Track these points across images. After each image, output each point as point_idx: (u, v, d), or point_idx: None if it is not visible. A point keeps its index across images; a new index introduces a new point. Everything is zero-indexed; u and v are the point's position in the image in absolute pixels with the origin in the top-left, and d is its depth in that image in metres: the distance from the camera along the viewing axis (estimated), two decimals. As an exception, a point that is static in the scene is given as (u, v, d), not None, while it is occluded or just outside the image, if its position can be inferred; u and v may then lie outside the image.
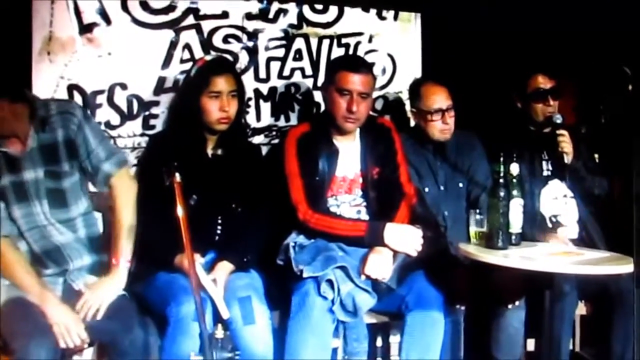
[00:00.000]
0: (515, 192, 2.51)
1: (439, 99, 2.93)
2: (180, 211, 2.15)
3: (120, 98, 2.93)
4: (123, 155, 2.55)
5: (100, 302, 2.28)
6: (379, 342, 2.92)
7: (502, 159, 2.52)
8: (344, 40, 3.27)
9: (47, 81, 2.82)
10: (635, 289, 1.24)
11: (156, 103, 2.98)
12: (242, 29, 3.11)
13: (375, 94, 2.90)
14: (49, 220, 2.38)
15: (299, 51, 3.21)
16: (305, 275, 2.48)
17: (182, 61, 2.99)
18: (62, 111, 2.40)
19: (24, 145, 2.34)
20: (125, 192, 2.49)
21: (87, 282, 2.39)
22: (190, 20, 3.02)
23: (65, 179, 2.41)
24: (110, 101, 2.90)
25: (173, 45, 2.99)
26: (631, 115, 1.23)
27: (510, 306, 2.71)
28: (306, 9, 3.21)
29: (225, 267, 2.50)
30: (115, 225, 2.45)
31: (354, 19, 3.29)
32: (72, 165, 2.42)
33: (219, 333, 2.10)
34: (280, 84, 3.19)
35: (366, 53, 3.29)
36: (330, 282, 2.46)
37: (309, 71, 3.23)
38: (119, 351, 2.26)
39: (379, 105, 3.32)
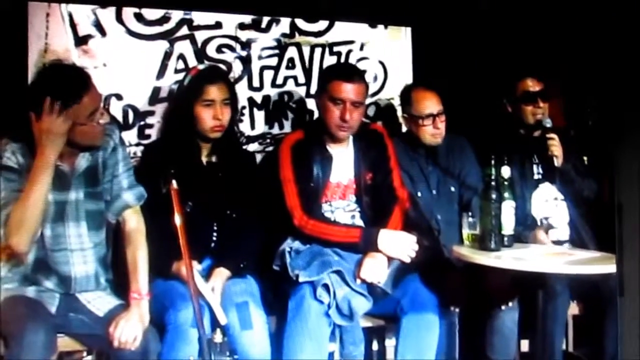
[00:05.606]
0: (506, 195, 2.54)
1: (430, 104, 2.96)
2: (177, 218, 2.17)
3: (116, 108, 2.95)
4: (143, 190, 2.46)
5: (134, 335, 2.22)
6: (375, 345, 2.93)
7: (493, 162, 2.56)
8: (335, 49, 3.31)
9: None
10: (619, 297, 1.27)
11: (151, 113, 3.00)
12: (235, 38, 3.14)
13: (367, 101, 2.93)
14: (81, 245, 2.33)
15: (291, 60, 3.24)
16: (301, 280, 2.51)
17: (177, 71, 3.01)
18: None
19: (73, 164, 2.32)
20: (142, 227, 2.43)
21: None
22: (184, 30, 3.04)
23: (103, 200, 2.39)
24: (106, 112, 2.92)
25: (167, 55, 3.02)
26: (612, 124, 1.26)
27: (503, 307, 2.72)
28: (298, 19, 3.24)
29: (222, 274, 2.52)
30: (133, 259, 2.38)
31: (345, 27, 3.33)
32: (104, 187, 2.40)
33: (218, 338, 2.12)
34: (273, 92, 3.22)
35: (358, 61, 3.32)
36: (326, 287, 2.48)
37: (301, 79, 3.26)
38: (118, 359, 2.25)
39: (371, 111, 3.35)
